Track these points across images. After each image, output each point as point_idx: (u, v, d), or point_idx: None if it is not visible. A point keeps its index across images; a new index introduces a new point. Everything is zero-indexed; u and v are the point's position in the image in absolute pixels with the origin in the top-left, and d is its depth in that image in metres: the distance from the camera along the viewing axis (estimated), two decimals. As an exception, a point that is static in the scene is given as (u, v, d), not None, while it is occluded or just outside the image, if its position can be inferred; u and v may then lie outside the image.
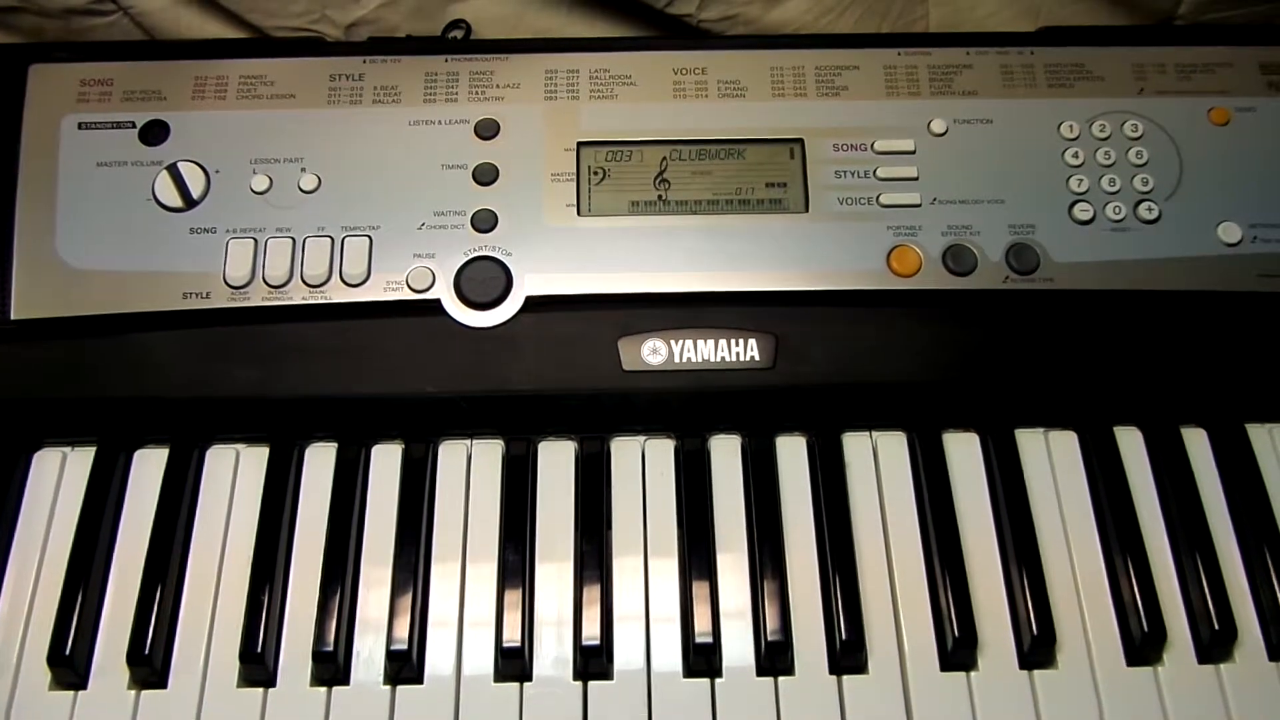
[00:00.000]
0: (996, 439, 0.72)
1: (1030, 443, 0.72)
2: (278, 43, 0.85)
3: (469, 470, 0.71)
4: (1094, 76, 0.78)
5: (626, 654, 0.65)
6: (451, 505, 0.70)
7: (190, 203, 0.73)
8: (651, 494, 0.71)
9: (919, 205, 0.74)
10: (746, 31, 0.87)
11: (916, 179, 0.74)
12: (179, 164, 0.74)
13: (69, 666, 0.64)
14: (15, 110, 0.75)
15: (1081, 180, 0.75)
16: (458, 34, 0.86)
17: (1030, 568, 0.67)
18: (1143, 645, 0.66)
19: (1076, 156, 0.75)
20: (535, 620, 0.66)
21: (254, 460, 0.71)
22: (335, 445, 0.72)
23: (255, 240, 0.72)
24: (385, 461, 0.71)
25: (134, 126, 0.75)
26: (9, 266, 0.71)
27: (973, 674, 0.65)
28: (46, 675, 0.65)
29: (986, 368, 0.72)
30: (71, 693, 0.64)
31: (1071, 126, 0.76)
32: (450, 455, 0.72)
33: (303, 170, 0.74)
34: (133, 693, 0.64)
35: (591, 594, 0.66)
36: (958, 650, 0.65)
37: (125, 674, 0.65)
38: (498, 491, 0.70)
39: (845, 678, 0.65)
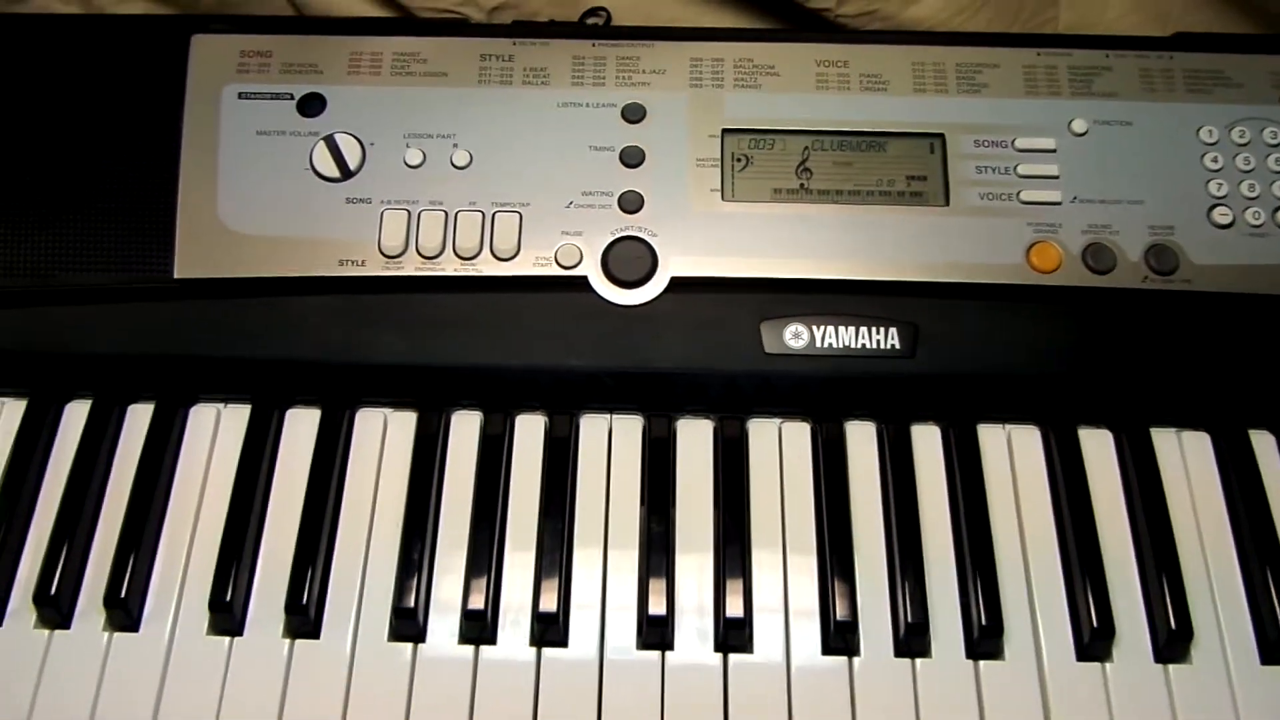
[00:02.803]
0: (1131, 436, 0.73)
1: (1165, 441, 0.73)
2: (426, 23, 0.87)
3: (609, 444, 0.73)
4: (1232, 83, 0.78)
5: (766, 629, 0.66)
6: (593, 477, 0.72)
7: (347, 173, 0.75)
8: (789, 476, 0.72)
9: (1059, 203, 0.74)
10: (883, 27, 0.88)
11: (1058, 177, 0.75)
12: (336, 135, 0.75)
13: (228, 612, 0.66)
14: (179, 79, 0.77)
15: (1221, 185, 0.75)
16: (597, 20, 0.87)
17: (1167, 564, 0.68)
18: (1277, 644, 0.66)
19: (1216, 161, 0.76)
20: (676, 593, 0.68)
21: (401, 425, 0.73)
22: (480, 414, 0.74)
23: (409, 212, 0.74)
24: (529, 431, 0.73)
25: (292, 98, 0.77)
26: (173, 228, 0.74)
27: (1108, 665, 0.66)
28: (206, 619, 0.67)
29: (1123, 365, 0.73)
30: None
31: (1210, 131, 0.76)
32: (591, 428, 0.73)
33: (455, 146, 0.75)
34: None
35: (733, 567, 0.67)
36: (1094, 642, 0.66)
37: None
38: (638, 466, 0.72)
39: (982, 663, 0.66)
